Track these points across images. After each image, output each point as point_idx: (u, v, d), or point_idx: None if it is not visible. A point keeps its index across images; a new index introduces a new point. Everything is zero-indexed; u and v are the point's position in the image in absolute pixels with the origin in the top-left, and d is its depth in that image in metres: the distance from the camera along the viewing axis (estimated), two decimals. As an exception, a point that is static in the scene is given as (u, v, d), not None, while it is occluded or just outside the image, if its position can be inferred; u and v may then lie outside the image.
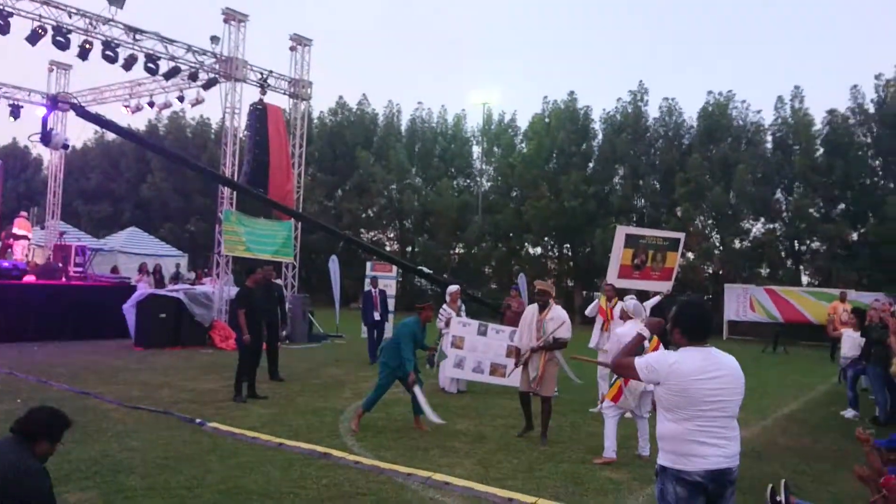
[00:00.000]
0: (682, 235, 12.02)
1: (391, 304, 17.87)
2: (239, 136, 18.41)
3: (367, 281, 15.10)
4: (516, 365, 7.95)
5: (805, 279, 27.16)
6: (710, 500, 3.39)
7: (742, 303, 24.21)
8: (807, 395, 12.05)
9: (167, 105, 19.77)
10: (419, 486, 5.75)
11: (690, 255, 25.97)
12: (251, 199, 17.54)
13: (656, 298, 10.37)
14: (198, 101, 18.64)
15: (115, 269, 19.04)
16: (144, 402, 8.62)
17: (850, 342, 10.37)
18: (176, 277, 22.62)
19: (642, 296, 10.27)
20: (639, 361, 3.54)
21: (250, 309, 9.46)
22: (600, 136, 30.13)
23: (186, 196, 35.59)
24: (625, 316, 7.45)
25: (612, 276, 10.65)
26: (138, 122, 40.89)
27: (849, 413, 10.03)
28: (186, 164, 20.36)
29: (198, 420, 7.72)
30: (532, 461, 6.73)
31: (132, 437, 6.90)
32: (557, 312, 7.67)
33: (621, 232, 11.04)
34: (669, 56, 63.96)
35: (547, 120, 30.59)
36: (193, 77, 17.36)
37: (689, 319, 3.52)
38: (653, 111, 29.06)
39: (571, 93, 30.65)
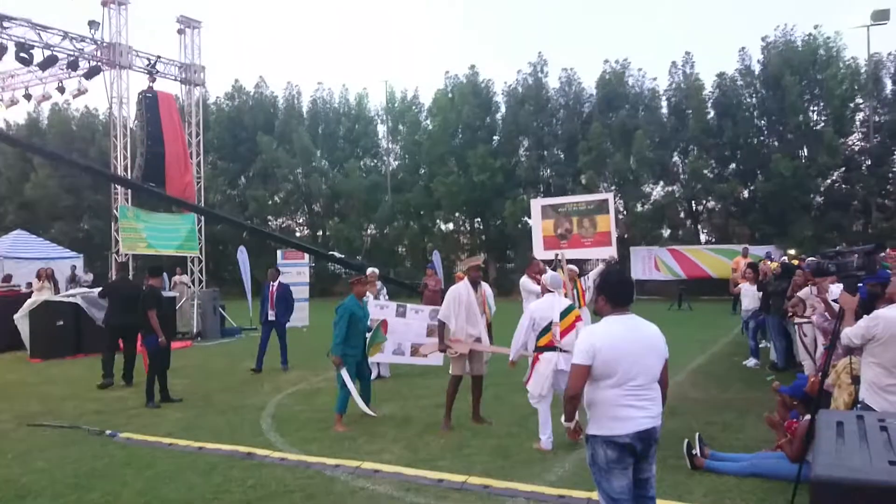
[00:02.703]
0: (608, 196, 11.59)
1: (304, 291, 17.45)
2: (129, 126, 17.45)
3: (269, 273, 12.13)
4: (441, 349, 7.30)
5: (703, 237, 28.62)
6: (637, 459, 3.56)
7: (647, 263, 25.31)
8: (712, 349, 12.72)
9: (46, 97, 18.51)
10: (348, 476, 5.67)
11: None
12: (146, 195, 16.69)
13: (599, 266, 9.74)
14: (80, 92, 17.46)
15: (7, 278, 17.64)
16: (47, 418, 8.09)
17: (750, 296, 10.98)
18: (73, 280, 21.35)
19: (582, 266, 10.19)
20: (575, 358, 3.59)
21: (160, 309, 9.04)
22: (503, 109, 30.47)
23: (76, 193, 33.48)
24: (544, 289, 6.81)
25: (537, 250, 10.54)
26: (16, 117, 37.79)
27: (751, 362, 10.66)
28: (68, 163, 19.06)
29: (108, 432, 7.30)
30: (460, 439, 6.76)
31: (36, 458, 6.45)
32: (488, 288, 7.61)
33: (536, 205, 10.93)
34: (567, 25, 65.01)
35: (450, 95, 30.61)
36: (73, 66, 16.26)
37: (612, 287, 3.70)
38: (553, 82, 29.66)
39: (472, 66, 30.89)
